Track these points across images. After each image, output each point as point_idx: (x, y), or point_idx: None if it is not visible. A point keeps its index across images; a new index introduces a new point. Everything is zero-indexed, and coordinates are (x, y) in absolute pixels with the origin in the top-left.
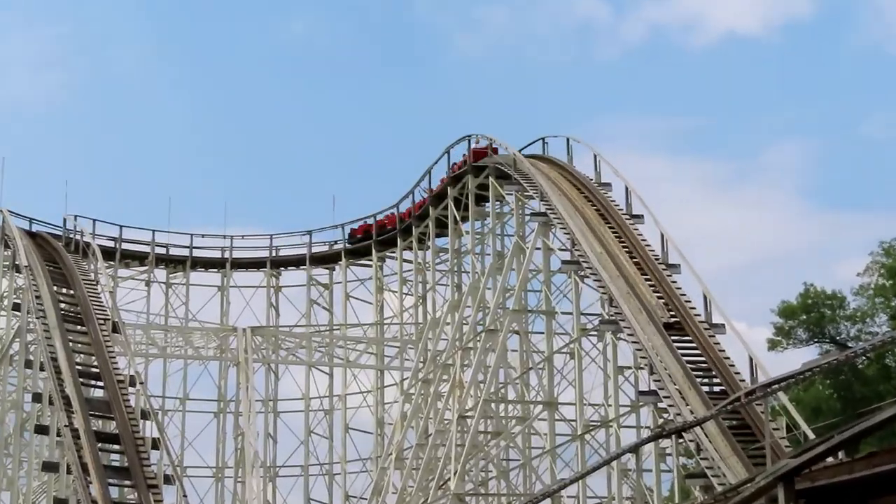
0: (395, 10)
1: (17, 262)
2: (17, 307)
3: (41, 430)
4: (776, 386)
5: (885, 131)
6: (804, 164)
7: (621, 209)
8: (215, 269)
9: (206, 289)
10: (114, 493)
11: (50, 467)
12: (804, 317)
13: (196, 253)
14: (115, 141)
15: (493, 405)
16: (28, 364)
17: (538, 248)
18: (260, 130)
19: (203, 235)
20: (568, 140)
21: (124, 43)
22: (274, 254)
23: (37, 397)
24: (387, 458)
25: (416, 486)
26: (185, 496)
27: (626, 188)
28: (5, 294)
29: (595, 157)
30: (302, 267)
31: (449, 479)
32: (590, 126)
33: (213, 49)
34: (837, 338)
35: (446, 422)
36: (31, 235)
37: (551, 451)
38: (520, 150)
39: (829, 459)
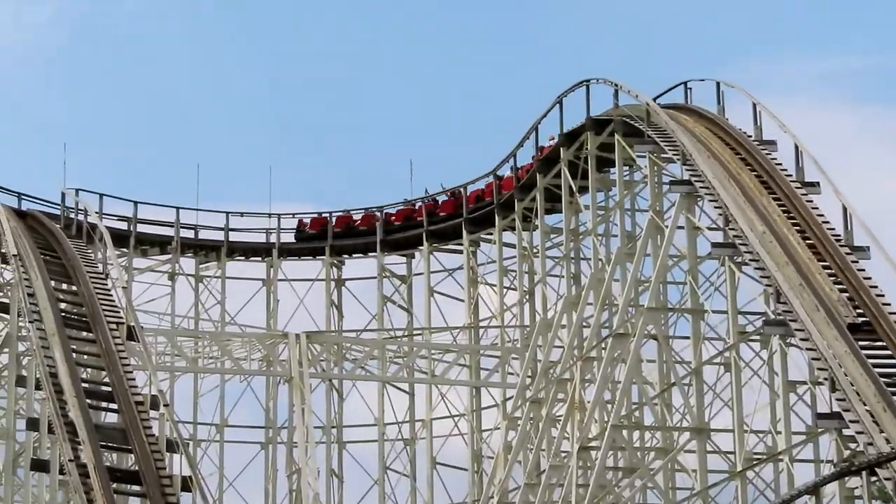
0: None
1: (2, 251)
2: (4, 308)
3: (39, 465)
4: None
5: None
6: None
7: (790, 175)
8: (259, 258)
9: (248, 283)
10: None
11: None
12: None
13: (234, 237)
14: (127, 95)
15: (624, 433)
16: (20, 381)
17: (681, 227)
18: (313, 79)
19: (242, 214)
20: (718, 85)
21: None
22: (333, 237)
23: (32, 424)
24: (487, 503)
25: None
26: None
27: (797, 147)
28: None
29: (754, 107)
30: (371, 254)
31: None
32: (741, 67)
33: None
34: None
35: (563, 455)
36: (21, 216)
37: (702, 493)
38: (655, 99)
39: None
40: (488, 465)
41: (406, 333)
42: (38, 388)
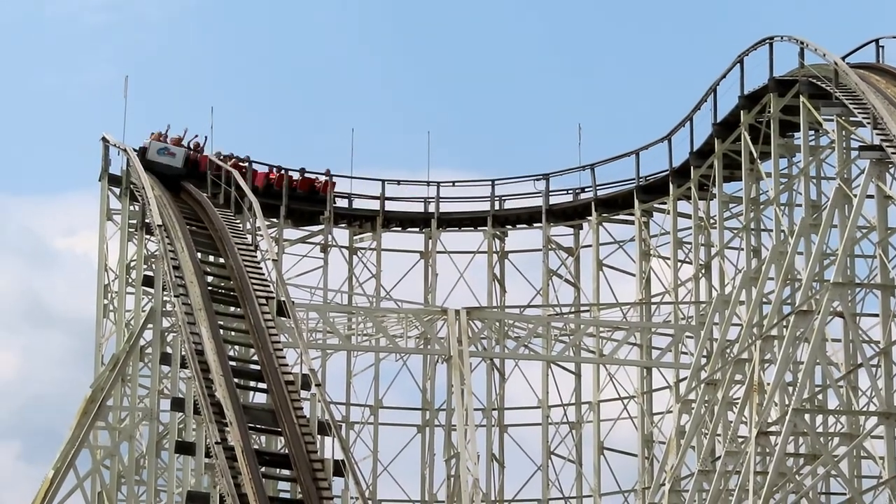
0: None
1: (147, 221)
2: (148, 282)
3: (184, 448)
4: None
5: None
6: None
7: None
8: (416, 229)
9: (405, 255)
10: None
11: (197, 499)
12: None
13: (390, 206)
14: (277, 58)
15: (806, 417)
16: (165, 359)
17: (871, 196)
18: (472, 38)
19: (399, 182)
20: None
21: None
22: (497, 206)
23: (177, 404)
24: (657, 491)
25: None
26: None
27: None
28: (133, 264)
29: None
30: (536, 224)
31: None
32: None
33: None
34: None
35: (740, 440)
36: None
37: (890, 482)
38: (844, 58)
39: None
40: (659, 450)
41: (573, 310)
42: (183, 366)
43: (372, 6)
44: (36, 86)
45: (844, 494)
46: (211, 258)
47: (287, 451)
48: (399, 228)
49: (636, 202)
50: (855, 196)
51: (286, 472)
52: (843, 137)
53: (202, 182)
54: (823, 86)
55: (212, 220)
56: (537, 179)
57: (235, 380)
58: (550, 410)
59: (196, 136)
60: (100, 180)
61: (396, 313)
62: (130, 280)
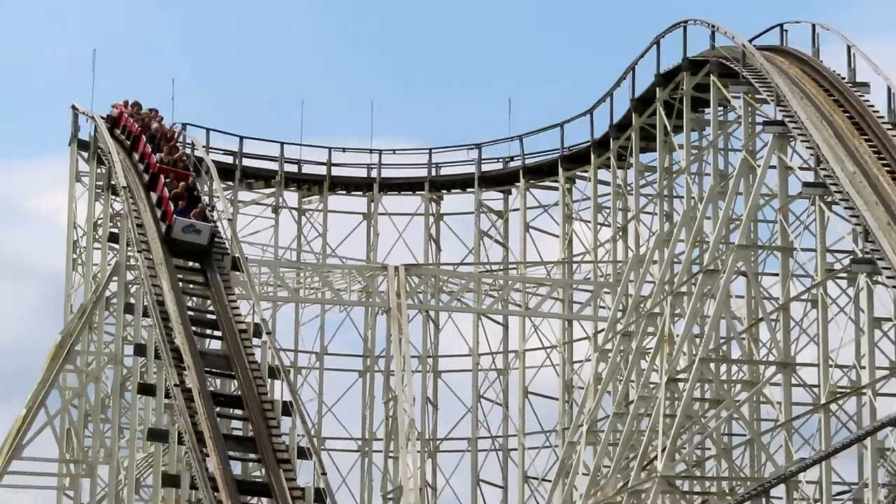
0: None
1: (113, 183)
2: (113, 238)
3: (146, 390)
4: None
5: None
6: None
7: (882, 117)
8: (360, 192)
9: (349, 217)
10: (236, 468)
11: (157, 436)
12: None
13: (336, 171)
14: (231, 31)
15: (711, 366)
16: (129, 309)
17: (773, 167)
18: (413, 15)
19: (344, 149)
20: (814, 27)
21: None
22: (434, 173)
23: (140, 350)
24: (576, 431)
25: (614, 466)
26: (324, 474)
27: (889, 89)
28: (100, 222)
29: (849, 49)
30: (469, 189)
31: (655, 457)
32: (839, 8)
33: None
34: None
35: (652, 386)
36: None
37: (786, 425)
38: (751, 40)
39: None
40: (578, 395)
41: (501, 267)
42: (145, 315)
43: None
44: (6, 57)
45: (745, 436)
46: None
47: (240, 393)
48: (344, 192)
49: (560, 170)
50: (759, 167)
51: (239, 411)
52: (749, 113)
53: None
54: (732, 66)
55: None
56: (470, 148)
57: (193, 328)
58: (480, 358)
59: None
60: (69, 145)
61: (341, 269)
62: (97, 237)
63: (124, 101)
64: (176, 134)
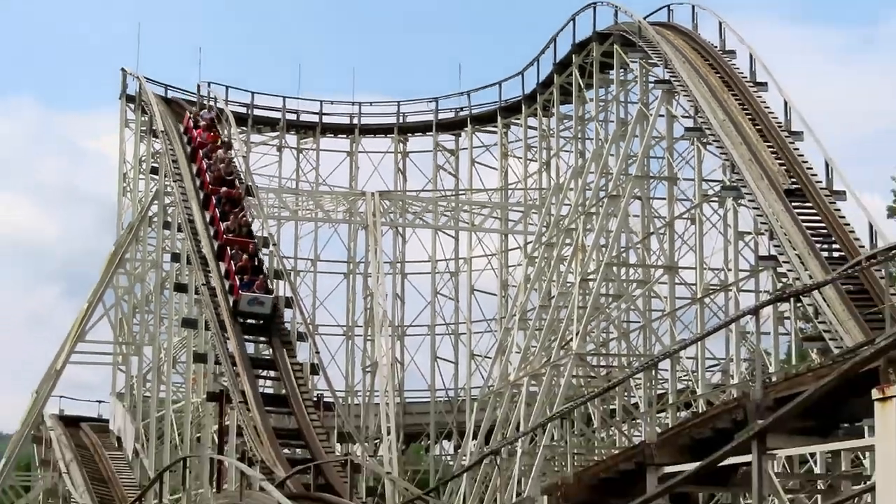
0: None
1: (154, 128)
2: (154, 171)
3: (180, 288)
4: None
5: None
6: None
7: (745, 77)
8: (344, 135)
9: (336, 154)
10: (250, 348)
11: (189, 323)
12: None
13: (325, 119)
14: (247, 7)
15: (614, 269)
16: (166, 225)
17: (661, 116)
18: (390, 4)
19: (332, 102)
20: (693, 7)
21: None
22: (401, 120)
23: (175, 257)
24: (510, 319)
25: (539, 346)
26: (317, 352)
27: (751, 56)
28: (143, 158)
29: (720, 24)
30: (428, 133)
31: (571, 339)
32: None
33: None
34: None
35: (568, 284)
36: (167, 102)
37: (671, 314)
38: (644, 18)
39: None
40: (512, 292)
41: (453, 193)
42: (179, 230)
43: None
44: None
45: (639, 322)
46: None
47: None
48: (332, 135)
49: (499, 118)
50: (651, 115)
51: None
52: (643, 74)
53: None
54: (630, 37)
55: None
56: (429, 101)
57: (218, 239)
58: (437, 264)
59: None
60: (119, 98)
61: (330, 195)
62: (141, 170)
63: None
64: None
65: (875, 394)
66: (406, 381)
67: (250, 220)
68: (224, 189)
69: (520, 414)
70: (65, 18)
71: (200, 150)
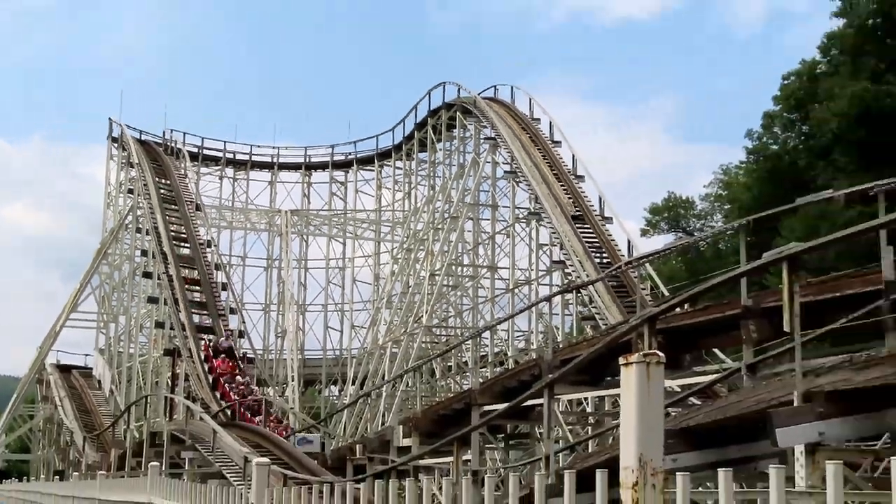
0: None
1: (131, 161)
2: (130, 191)
3: (147, 275)
4: (644, 260)
5: (730, 88)
6: (672, 111)
7: (547, 137)
8: (267, 170)
9: (261, 182)
10: (195, 318)
11: (153, 300)
12: (666, 214)
13: (254, 158)
14: (200, 77)
15: (453, 268)
16: (138, 230)
17: (488, 162)
18: (302, 73)
19: (259, 146)
20: (512, 88)
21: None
22: (307, 160)
23: (144, 253)
24: (380, 301)
25: (400, 320)
26: (243, 322)
27: (550, 122)
28: (122, 182)
29: (530, 100)
30: (326, 170)
31: (422, 316)
32: (528, 79)
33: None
34: (687, 229)
35: (421, 278)
36: (141, 143)
37: (491, 300)
38: (478, 94)
39: (678, 310)
40: (382, 282)
41: (342, 212)
42: (147, 234)
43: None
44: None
45: (470, 305)
46: (163, 180)
47: (199, 278)
48: (259, 169)
49: (376, 161)
50: (481, 162)
51: (198, 288)
52: (476, 133)
53: None
54: (468, 107)
55: (164, 161)
56: (328, 147)
57: (174, 242)
58: (330, 262)
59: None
60: (107, 139)
61: (256, 211)
62: (121, 190)
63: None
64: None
65: (621, 360)
66: (306, 343)
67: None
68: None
69: (385, 368)
70: (71, 77)
71: (221, 378)
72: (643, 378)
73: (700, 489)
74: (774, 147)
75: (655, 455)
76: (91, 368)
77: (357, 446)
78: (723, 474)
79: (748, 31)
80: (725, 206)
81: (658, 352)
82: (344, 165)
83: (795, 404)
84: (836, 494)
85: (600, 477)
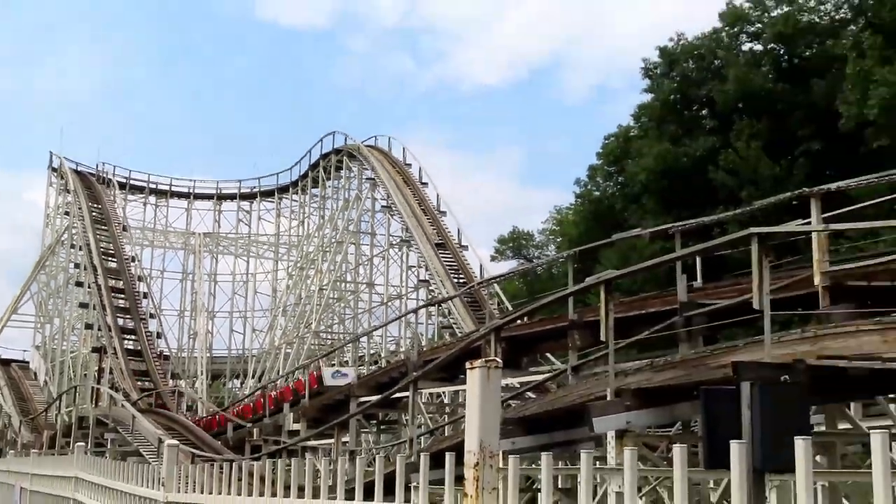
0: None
1: (68, 187)
2: (67, 213)
3: (79, 284)
4: (493, 280)
5: (563, 144)
6: (517, 160)
7: (417, 179)
8: (184, 199)
9: (179, 209)
10: (120, 321)
11: (83, 305)
12: (511, 244)
13: (174, 188)
14: (128, 116)
15: (338, 283)
16: (73, 246)
17: (369, 198)
18: (221, 117)
19: (178, 178)
20: (389, 138)
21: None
22: (219, 191)
23: (77, 265)
24: (277, 310)
25: (293, 326)
26: (161, 326)
27: (420, 167)
28: (60, 205)
29: (403, 148)
30: (234, 200)
31: (312, 323)
32: (404, 130)
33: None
34: (528, 256)
35: (311, 291)
36: (77, 173)
37: (369, 311)
38: (362, 142)
39: (519, 322)
40: (279, 294)
41: (248, 235)
42: (80, 249)
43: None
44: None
45: (352, 315)
46: (95, 205)
47: (123, 287)
48: (177, 198)
49: (276, 194)
50: (363, 197)
51: (122, 295)
52: (359, 174)
53: None
54: (353, 153)
55: (96, 189)
56: (236, 181)
57: (103, 256)
58: (236, 276)
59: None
60: (48, 168)
61: (174, 233)
62: (59, 212)
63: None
64: None
65: (467, 364)
66: (214, 344)
67: None
68: None
69: (280, 365)
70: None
71: None
72: (484, 379)
73: (534, 466)
74: (597, 193)
75: (493, 441)
76: (28, 362)
77: (254, 430)
78: (545, 457)
79: (578, 100)
80: (558, 239)
81: (497, 358)
82: (250, 197)
83: (608, 398)
84: (632, 472)
85: (448, 458)
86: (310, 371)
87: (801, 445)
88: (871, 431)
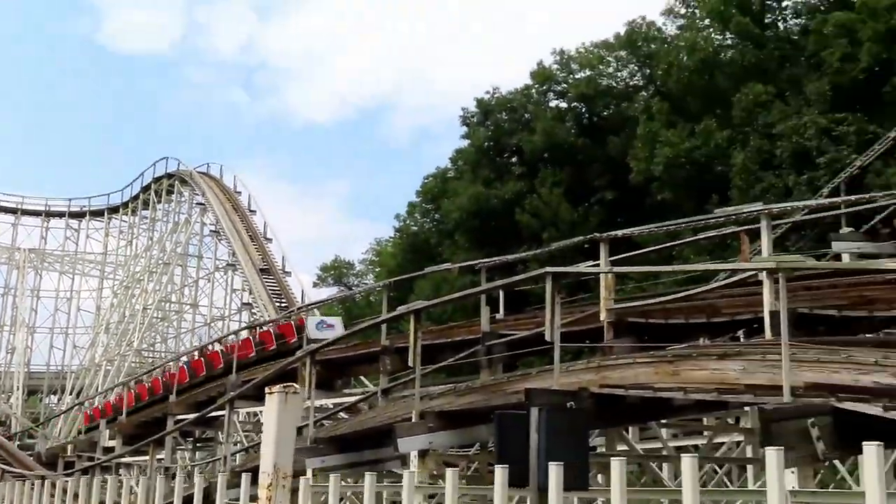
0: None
1: None
2: None
3: None
4: (313, 306)
5: (386, 181)
6: (344, 193)
7: (246, 206)
8: (11, 214)
9: (5, 224)
10: None
11: None
12: (333, 271)
13: (54, 208)
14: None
15: (163, 303)
16: None
17: (198, 223)
18: (60, 136)
19: (5, 193)
20: (221, 166)
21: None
22: (48, 209)
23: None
24: (101, 326)
25: (116, 343)
26: None
27: (249, 195)
28: None
29: (234, 176)
30: (63, 218)
31: (134, 341)
32: (239, 158)
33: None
34: (348, 284)
35: (136, 310)
36: None
37: (192, 330)
38: (195, 168)
39: (335, 346)
40: (103, 312)
41: (75, 252)
42: None
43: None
44: None
45: (175, 334)
46: None
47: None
48: (3, 213)
49: (106, 214)
50: (192, 222)
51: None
52: (190, 199)
53: None
54: (185, 178)
55: None
56: (66, 200)
57: None
58: (60, 292)
59: None
60: None
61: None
62: None
63: None
64: None
65: (266, 390)
66: (33, 359)
67: None
68: None
69: (99, 381)
70: None
71: None
72: (282, 403)
73: (344, 483)
74: (414, 228)
75: (286, 463)
76: None
77: (68, 446)
78: (368, 476)
79: (402, 142)
80: (377, 269)
81: (295, 384)
82: (79, 216)
83: (413, 420)
84: (453, 490)
85: (245, 479)
86: (298, 318)
87: (553, 470)
88: (682, 455)
